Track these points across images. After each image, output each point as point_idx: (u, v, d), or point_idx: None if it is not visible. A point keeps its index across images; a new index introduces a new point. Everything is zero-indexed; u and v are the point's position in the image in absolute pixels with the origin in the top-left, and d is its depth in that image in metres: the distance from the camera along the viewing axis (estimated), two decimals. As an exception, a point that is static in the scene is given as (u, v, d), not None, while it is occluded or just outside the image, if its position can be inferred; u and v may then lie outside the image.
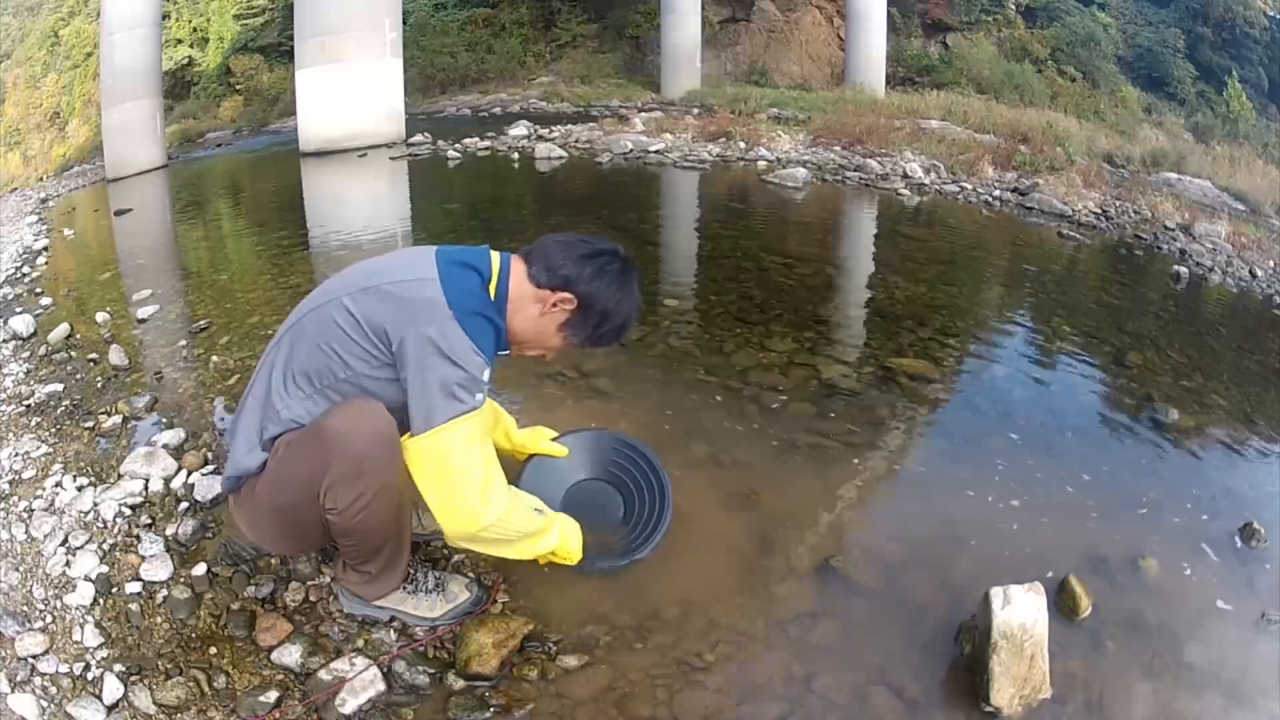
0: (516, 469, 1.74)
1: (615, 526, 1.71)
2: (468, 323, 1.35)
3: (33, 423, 2.47)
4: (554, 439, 1.82)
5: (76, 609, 1.66)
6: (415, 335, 1.33)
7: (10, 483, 2.12)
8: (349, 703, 1.45)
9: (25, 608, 1.66)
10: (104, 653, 1.56)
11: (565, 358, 2.70)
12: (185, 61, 18.80)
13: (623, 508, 1.76)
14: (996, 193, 6.16)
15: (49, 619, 1.63)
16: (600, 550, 1.61)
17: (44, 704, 1.45)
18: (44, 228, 5.84)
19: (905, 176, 6.44)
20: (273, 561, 1.78)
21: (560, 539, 1.52)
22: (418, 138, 7.96)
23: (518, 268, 1.48)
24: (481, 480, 1.37)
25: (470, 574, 1.74)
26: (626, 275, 1.50)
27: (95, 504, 1.97)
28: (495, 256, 1.47)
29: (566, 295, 1.45)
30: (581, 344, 1.53)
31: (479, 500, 1.37)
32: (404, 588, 1.61)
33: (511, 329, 1.47)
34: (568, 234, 1.53)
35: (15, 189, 11.55)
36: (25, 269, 4.48)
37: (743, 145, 7.30)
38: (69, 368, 2.89)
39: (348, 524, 1.40)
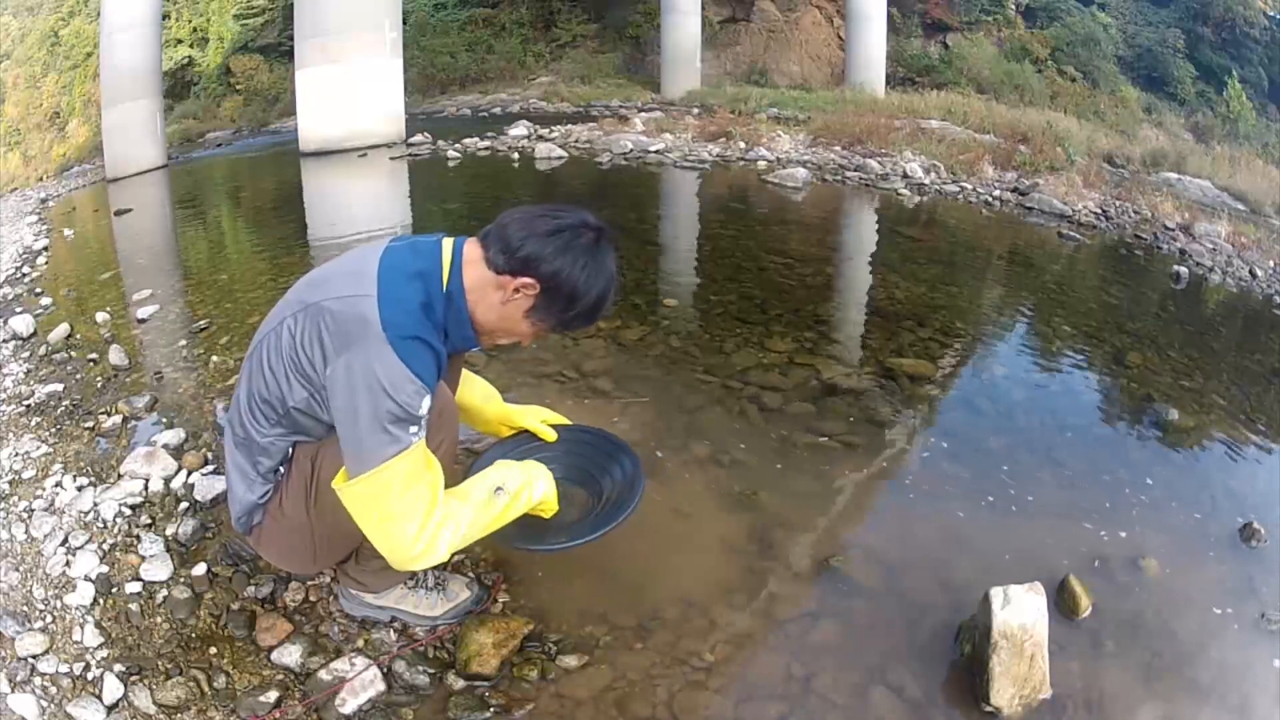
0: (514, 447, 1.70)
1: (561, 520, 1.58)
2: (402, 347, 1.23)
3: (33, 423, 2.47)
4: (555, 425, 1.73)
5: (76, 609, 1.66)
6: (345, 363, 1.24)
7: (10, 483, 2.12)
8: (349, 703, 1.45)
9: (25, 608, 1.66)
10: (104, 653, 1.56)
11: (565, 359, 2.70)
12: (185, 61, 18.80)
13: (585, 503, 1.63)
14: (996, 193, 6.16)
15: (49, 619, 1.63)
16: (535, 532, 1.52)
17: (44, 704, 1.45)
18: (44, 228, 5.83)
19: (905, 176, 6.43)
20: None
21: (532, 501, 1.45)
22: (418, 138, 7.95)
23: (474, 252, 1.35)
24: (422, 522, 1.28)
25: (470, 573, 1.74)
26: (598, 247, 1.34)
27: (95, 504, 1.97)
28: (447, 246, 1.36)
29: (527, 280, 1.31)
30: (553, 330, 1.41)
31: (426, 545, 1.29)
32: (405, 583, 1.61)
33: (476, 320, 1.36)
34: (531, 207, 1.37)
35: (15, 189, 11.55)
36: (25, 269, 4.48)
37: (743, 145, 7.29)
38: (69, 368, 2.89)
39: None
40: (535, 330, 1.40)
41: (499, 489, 1.41)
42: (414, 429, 1.26)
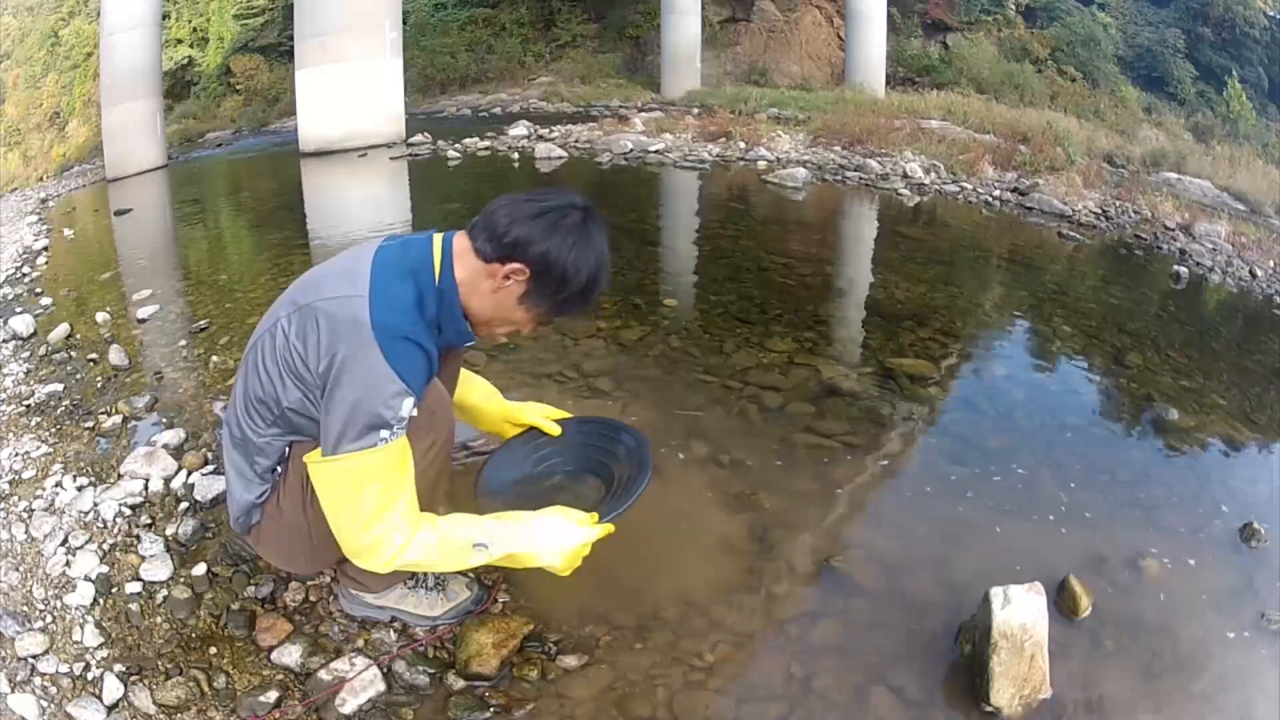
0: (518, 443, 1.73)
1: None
2: (391, 348, 1.24)
3: (33, 423, 2.47)
4: (557, 420, 1.74)
5: (76, 609, 1.66)
6: (336, 361, 1.26)
7: (10, 483, 2.12)
8: (349, 703, 1.44)
9: (25, 608, 1.66)
10: (104, 653, 1.56)
11: (565, 359, 2.71)
12: (185, 61, 18.82)
13: (599, 491, 1.66)
14: (996, 193, 6.16)
15: (49, 619, 1.63)
16: None
17: (44, 704, 1.45)
18: (44, 228, 5.83)
19: (905, 176, 6.44)
20: (273, 561, 1.77)
21: (526, 566, 1.42)
22: (418, 138, 7.95)
23: (463, 244, 1.35)
24: (371, 518, 1.29)
25: (470, 574, 1.74)
26: (586, 227, 1.34)
27: (95, 504, 1.97)
28: (438, 241, 1.37)
29: (516, 265, 1.31)
30: (549, 315, 1.40)
31: (373, 542, 1.30)
32: (405, 583, 1.61)
33: (470, 312, 1.37)
34: (516, 194, 1.37)
35: (15, 189, 11.55)
36: (25, 269, 4.48)
37: (743, 145, 7.29)
38: (69, 368, 2.89)
39: None
40: (531, 317, 1.39)
41: (479, 545, 1.37)
42: (385, 433, 1.26)
